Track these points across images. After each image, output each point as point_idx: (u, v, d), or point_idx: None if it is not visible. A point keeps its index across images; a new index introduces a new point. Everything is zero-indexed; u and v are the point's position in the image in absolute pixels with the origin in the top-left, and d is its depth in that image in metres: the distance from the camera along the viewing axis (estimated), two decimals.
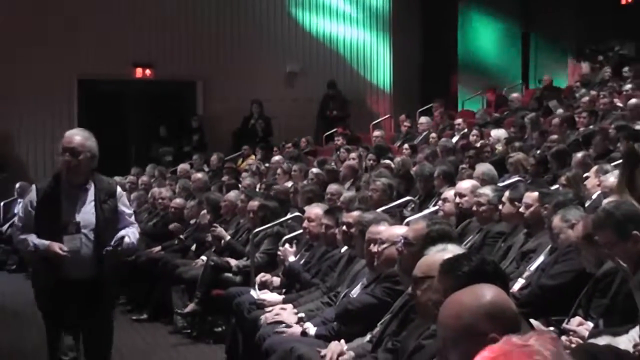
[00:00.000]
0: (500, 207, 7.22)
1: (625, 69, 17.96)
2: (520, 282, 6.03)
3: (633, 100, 13.71)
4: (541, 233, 6.45)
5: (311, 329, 6.10)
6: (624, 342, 4.16)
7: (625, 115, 13.02)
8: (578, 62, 21.54)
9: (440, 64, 21.22)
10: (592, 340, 4.40)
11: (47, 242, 5.64)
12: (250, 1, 20.45)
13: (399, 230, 5.77)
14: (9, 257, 15.04)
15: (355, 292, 6.16)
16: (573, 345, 4.46)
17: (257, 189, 12.27)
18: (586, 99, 15.19)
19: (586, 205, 7.14)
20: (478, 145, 12.84)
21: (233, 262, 9.33)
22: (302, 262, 8.01)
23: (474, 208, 7.51)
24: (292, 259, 8.00)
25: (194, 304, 9.28)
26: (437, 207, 8.59)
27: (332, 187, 10.09)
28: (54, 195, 5.77)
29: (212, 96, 20.28)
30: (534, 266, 6.10)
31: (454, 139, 14.58)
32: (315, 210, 8.12)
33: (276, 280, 8.07)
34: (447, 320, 2.78)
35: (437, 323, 2.85)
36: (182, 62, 19.80)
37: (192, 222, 11.44)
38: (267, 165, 15.03)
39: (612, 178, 7.30)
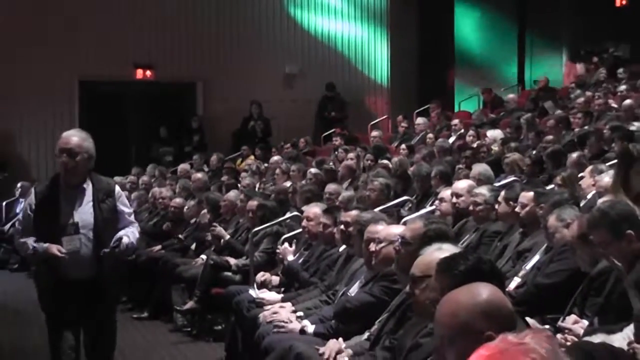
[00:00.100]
0: (496, 206, 7.23)
1: (620, 70, 18.00)
2: (516, 281, 6.03)
3: (627, 101, 13.74)
4: (537, 232, 6.46)
5: (309, 327, 6.10)
6: (618, 340, 4.17)
7: (620, 116, 13.04)
8: (573, 63, 21.55)
9: (437, 59, 21.25)
10: (587, 338, 4.40)
11: (45, 245, 5.61)
12: (250, 3, 20.45)
13: (397, 229, 5.78)
14: (10, 257, 15.04)
15: (353, 290, 6.16)
16: (568, 343, 4.46)
17: (257, 189, 12.28)
18: (581, 100, 15.20)
19: (581, 204, 7.15)
20: (474, 145, 12.84)
21: (232, 261, 9.33)
22: (300, 260, 8.01)
23: (471, 208, 7.52)
24: (291, 258, 8.00)
25: (193, 302, 9.28)
26: (434, 207, 8.59)
27: (331, 187, 10.09)
28: (52, 197, 5.74)
29: (212, 97, 20.28)
30: (529, 265, 6.11)
31: (451, 140, 14.58)
32: (314, 209, 8.11)
33: (275, 279, 8.07)
34: (444, 319, 2.78)
35: (434, 321, 2.85)
36: (182, 63, 19.81)
37: (192, 221, 11.45)
38: (266, 165, 15.03)
39: (606, 178, 7.30)
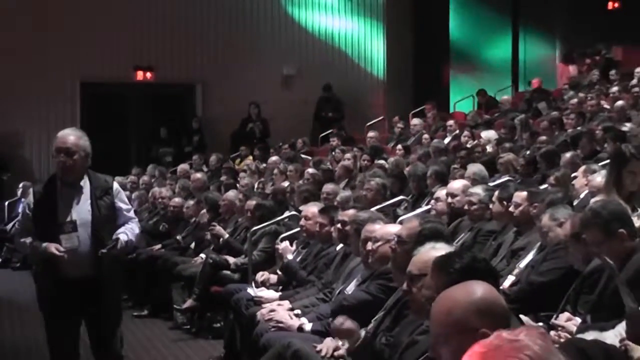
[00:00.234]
0: (490, 206, 7.23)
1: (612, 72, 18.02)
2: (510, 279, 6.03)
3: (619, 102, 13.76)
4: (530, 231, 6.46)
5: (307, 325, 6.10)
6: (611, 337, 4.16)
7: (612, 117, 13.05)
8: (566, 65, 21.58)
9: (432, 54, 21.30)
10: (580, 335, 4.40)
11: (44, 244, 5.56)
12: (248, 8, 20.47)
13: (393, 228, 5.78)
14: (13, 255, 15.04)
15: (350, 288, 6.16)
16: (561, 340, 4.46)
17: (255, 189, 12.28)
18: (574, 101, 15.22)
19: (574, 204, 7.15)
20: (469, 146, 12.85)
21: (231, 259, 9.33)
22: (298, 259, 8.01)
23: (466, 207, 7.52)
24: (290, 257, 7.99)
25: (193, 300, 9.28)
26: (429, 206, 8.60)
27: (328, 187, 10.09)
28: (50, 196, 5.69)
29: (211, 98, 20.31)
30: (523, 263, 6.10)
31: (446, 140, 14.59)
32: (311, 209, 8.12)
33: (273, 278, 8.07)
34: (439, 316, 2.78)
35: (430, 319, 2.85)
36: (182, 65, 19.83)
37: (191, 220, 11.45)
38: (264, 165, 15.04)
39: (599, 178, 7.30)
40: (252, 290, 7.52)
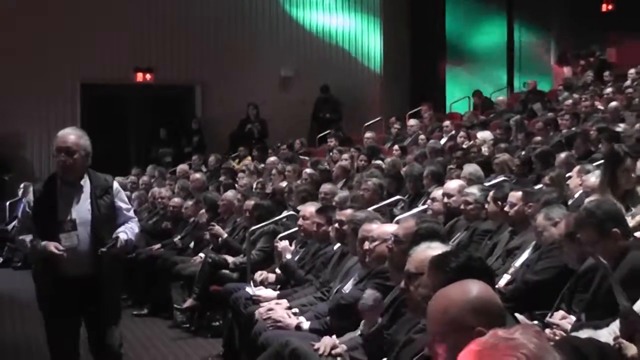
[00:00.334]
0: (486, 206, 7.23)
1: (606, 73, 18.05)
2: (505, 278, 6.03)
3: (613, 103, 13.78)
4: (525, 231, 6.46)
5: (305, 324, 6.10)
6: (605, 335, 4.17)
7: (606, 118, 13.07)
8: (561, 66, 21.61)
9: (429, 49, 21.37)
10: (574, 334, 4.40)
11: (43, 243, 5.52)
12: (247, 10, 20.48)
13: (390, 228, 5.78)
14: (14, 255, 15.02)
15: (348, 287, 6.16)
16: (556, 338, 4.46)
17: (254, 189, 12.28)
18: (569, 102, 15.25)
19: (569, 203, 7.16)
20: (465, 146, 12.85)
21: (230, 259, 9.32)
22: (296, 258, 8.00)
23: (462, 207, 7.52)
24: (289, 256, 7.99)
25: (192, 299, 9.27)
26: (426, 206, 8.59)
27: (326, 187, 10.09)
28: (50, 195, 5.65)
29: (210, 100, 20.32)
30: (518, 262, 6.10)
31: (442, 141, 14.60)
32: (309, 209, 8.12)
33: (271, 277, 8.07)
34: (436, 315, 2.78)
35: (426, 317, 2.85)
36: (181, 67, 19.84)
37: (190, 220, 11.45)
38: (262, 165, 15.04)
39: (592, 178, 7.31)
40: (250, 289, 7.52)
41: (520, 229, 6.60)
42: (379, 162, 12.42)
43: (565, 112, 14.14)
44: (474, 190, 7.55)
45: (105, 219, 5.68)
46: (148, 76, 19.80)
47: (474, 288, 2.85)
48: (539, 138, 12.19)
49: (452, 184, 8.14)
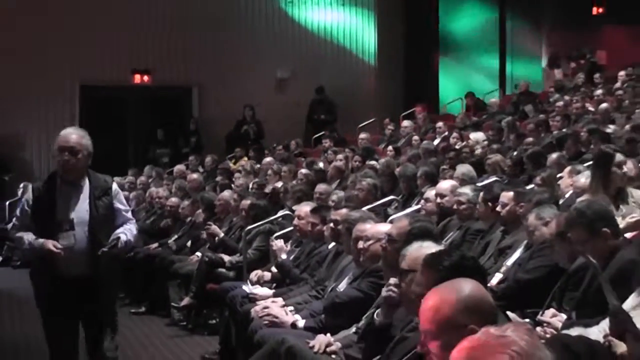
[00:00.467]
0: (477, 206, 7.24)
1: (597, 75, 18.08)
2: (497, 277, 6.04)
3: (603, 105, 13.82)
4: (517, 230, 6.47)
5: (300, 322, 6.10)
6: (595, 332, 4.18)
7: (597, 119, 13.09)
8: (552, 69, 21.64)
9: (422, 43, 21.44)
10: (565, 331, 4.41)
11: (41, 240, 5.47)
12: (243, 13, 20.47)
13: (384, 227, 5.77)
14: (14, 254, 14.99)
15: (342, 286, 6.16)
16: (547, 336, 4.47)
17: (250, 189, 12.28)
18: (560, 103, 15.27)
19: (560, 203, 7.17)
20: (458, 147, 12.86)
21: (226, 258, 9.32)
22: (292, 257, 8.01)
23: (454, 207, 7.53)
24: (284, 256, 7.99)
25: (189, 297, 9.27)
26: (419, 206, 8.60)
27: (321, 187, 10.10)
28: (49, 194, 5.60)
29: (206, 101, 20.32)
30: (510, 261, 6.11)
31: (436, 142, 14.61)
32: (304, 208, 8.12)
33: (267, 275, 8.07)
34: (428, 313, 2.78)
35: (420, 315, 2.86)
36: (179, 68, 19.82)
37: (187, 220, 11.45)
38: (258, 166, 15.05)
39: (583, 179, 7.33)
40: (247, 288, 7.52)
41: (511, 228, 6.61)
42: (373, 162, 12.42)
43: (557, 113, 14.17)
44: (467, 190, 7.56)
45: (103, 219, 5.63)
46: (146, 78, 19.78)
47: (467, 287, 2.85)
48: (530, 139, 12.20)
49: (445, 184, 8.15)
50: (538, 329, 4.64)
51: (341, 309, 5.83)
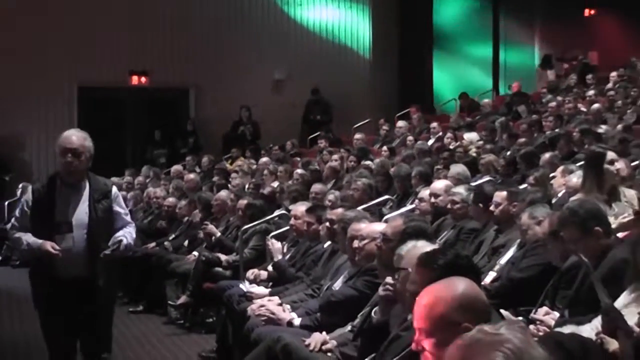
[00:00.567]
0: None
1: (589, 76, 18.11)
2: (491, 275, 6.04)
3: (595, 105, 13.84)
4: (510, 229, 6.47)
5: (296, 320, 6.10)
6: (587, 330, 4.18)
7: (589, 119, 13.10)
8: (544, 70, 21.67)
9: (416, 38, 21.52)
10: (557, 329, 4.41)
11: (40, 241, 5.44)
12: (240, 15, 20.46)
13: (378, 227, 5.78)
14: (13, 253, 14.96)
15: (338, 285, 6.16)
16: (540, 334, 4.47)
17: (246, 189, 12.28)
18: (553, 104, 15.28)
19: (552, 202, 7.17)
20: (452, 147, 12.87)
21: (223, 257, 9.32)
22: (287, 257, 8.01)
23: (448, 206, 7.53)
24: (279, 256, 7.99)
25: (186, 296, 9.26)
26: (414, 206, 8.60)
27: (316, 187, 10.10)
28: (48, 195, 5.57)
29: (203, 102, 20.31)
30: (503, 260, 6.11)
31: (430, 142, 14.61)
32: (300, 208, 8.12)
33: (263, 274, 8.06)
34: (423, 311, 2.78)
35: (414, 313, 2.86)
36: (176, 70, 19.80)
37: (184, 220, 11.45)
38: (255, 166, 15.04)
39: (575, 178, 7.33)
40: (243, 287, 7.52)
41: (505, 227, 6.61)
42: (368, 162, 12.42)
43: (549, 114, 14.17)
44: (461, 190, 7.56)
45: (102, 222, 5.60)
46: (143, 79, 19.78)
47: (461, 285, 2.85)
48: (523, 139, 12.21)
49: (439, 184, 8.15)
50: (531, 326, 4.64)
51: (337, 307, 5.83)
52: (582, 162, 8.07)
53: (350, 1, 21.48)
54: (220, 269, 9.22)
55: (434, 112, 19.79)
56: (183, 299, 9.31)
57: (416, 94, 20.33)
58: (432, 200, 7.89)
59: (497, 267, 6.10)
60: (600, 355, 3.87)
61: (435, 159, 11.76)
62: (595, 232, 4.78)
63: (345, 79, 20.70)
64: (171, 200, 12.08)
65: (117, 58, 19.12)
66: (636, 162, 8.60)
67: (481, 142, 13.02)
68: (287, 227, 8.60)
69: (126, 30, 19.19)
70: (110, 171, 13.13)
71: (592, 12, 22.52)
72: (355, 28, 21.52)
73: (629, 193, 6.91)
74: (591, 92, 16.21)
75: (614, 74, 17.19)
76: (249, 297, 7.10)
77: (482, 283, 5.14)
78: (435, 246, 4.54)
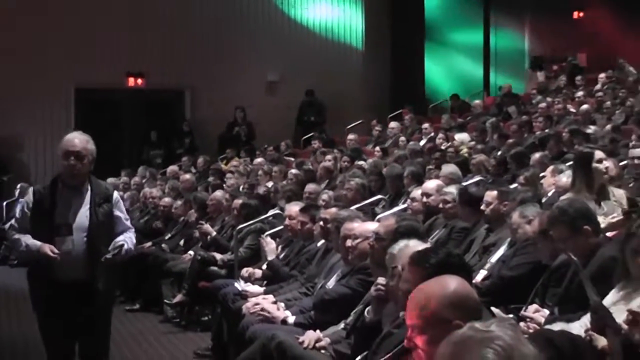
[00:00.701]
0: None
1: (578, 77, 18.13)
2: (482, 274, 6.04)
3: (584, 106, 13.87)
4: (501, 228, 6.47)
5: (290, 318, 6.10)
6: (577, 327, 4.19)
7: (578, 120, 13.13)
8: (534, 71, 21.71)
9: (408, 30, 21.55)
10: (547, 326, 4.42)
11: (38, 243, 5.37)
12: (235, 18, 20.46)
13: (371, 226, 5.78)
14: (11, 253, 14.92)
15: (331, 283, 6.16)
16: (531, 331, 4.48)
17: (241, 189, 12.28)
18: (542, 105, 15.30)
19: (542, 202, 7.17)
20: (444, 147, 12.88)
21: (218, 256, 9.31)
22: (282, 256, 8.00)
23: (440, 205, 7.53)
24: (272, 256, 7.98)
25: (182, 295, 9.26)
26: (406, 205, 8.60)
27: (310, 187, 10.10)
28: (49, 197, 5.50)
29: (199, 104, 20.31)
30: (494, 258, 6.11)
31: (422, 142, 14.62)
32: (294, 208, 8.12)
33: (258, 273, 8.06)
34: (415, 308, 2.79)
35: (406, 311, 2.86)
36: (172, 72, 19.78)
37: (180, 219, 11.44)
38: (249, 166, 15.04)
39: (564, 178, 7.34)
40: (238, 285, 7.51)
41: (495, 226, 6.61)
42: (361, 163, 12.42)
43: (539, 114, 14.20)
44: (452, 189, 7.56)
45: (102, 226, 5.53)
46: (140, 81, 19.76)
47: (452, 283, 2.86)
48: (513, 139, 12.22)
49: (431, 184, 8.14)
50: (521, 324, 4.64)
51: (330, 305, 5.83)
52: (571, 162, 8.09)
53: (344, 3, 21.51)
54: (215, 268, 9.22)
55: (426, 114, 19.78)
56: (179, 297, 9.31)
57: (408, 84, 20.37)
58: (424, 199, 7.89)
59: (488, 266, 6.10)
60: (589, 352, 3.88)
61: (427, 159, 11.77)
62: (585, 230, 4.79)
63: (339, 74, 20.68)
64: (167, 200, 12.07)
65: (114, 59, 19.10)
66: (625, 162, 8.61)
67: (472, 143, 13.05)
68: (282, 227, 8.60)
69: (125, 30, 19.17)
70: (107, 172, 13.13)
71: (581, 14, 22.57)
72: (349, 22, 21.56)
73: (617, 193, 6.91)
74: (580, 93, 16.25)
75: (602, 75, 17.22)
76: (243, 296, 7.10)
77: (473, 281, 5.14)
78: (427, 245, 4.55)
